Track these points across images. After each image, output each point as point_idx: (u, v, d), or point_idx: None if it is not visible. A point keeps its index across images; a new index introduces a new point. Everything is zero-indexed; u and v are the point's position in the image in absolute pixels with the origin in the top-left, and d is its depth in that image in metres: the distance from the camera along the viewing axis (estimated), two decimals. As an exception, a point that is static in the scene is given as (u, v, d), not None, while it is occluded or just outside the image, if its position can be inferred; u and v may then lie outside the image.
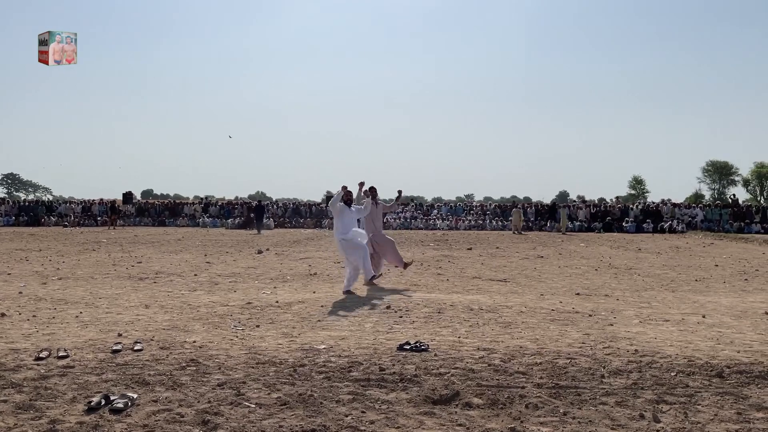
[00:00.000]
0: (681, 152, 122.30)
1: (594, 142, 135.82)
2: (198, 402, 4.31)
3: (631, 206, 38.52)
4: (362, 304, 8.73)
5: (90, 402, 4.18)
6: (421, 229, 36.29)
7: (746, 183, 72.83)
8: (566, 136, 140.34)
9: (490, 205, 42.14)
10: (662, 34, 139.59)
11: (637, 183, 77.63)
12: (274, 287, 10.50)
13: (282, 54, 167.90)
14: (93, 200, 40.87)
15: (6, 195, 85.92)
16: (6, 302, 8.59)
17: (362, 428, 3.85)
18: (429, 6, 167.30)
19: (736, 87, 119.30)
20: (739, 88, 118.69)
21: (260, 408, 4.21)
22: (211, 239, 24.63)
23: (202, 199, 43.06)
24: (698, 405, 4.36)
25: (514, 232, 32.53)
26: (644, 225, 34.10)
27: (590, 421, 4.02)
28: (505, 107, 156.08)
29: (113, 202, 39.69)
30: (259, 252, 17.82)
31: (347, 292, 9.81)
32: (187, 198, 64.68)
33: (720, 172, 75.43)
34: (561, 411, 4.20)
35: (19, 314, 7.69)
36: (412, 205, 41.30)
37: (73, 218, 38.47)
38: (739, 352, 5.99)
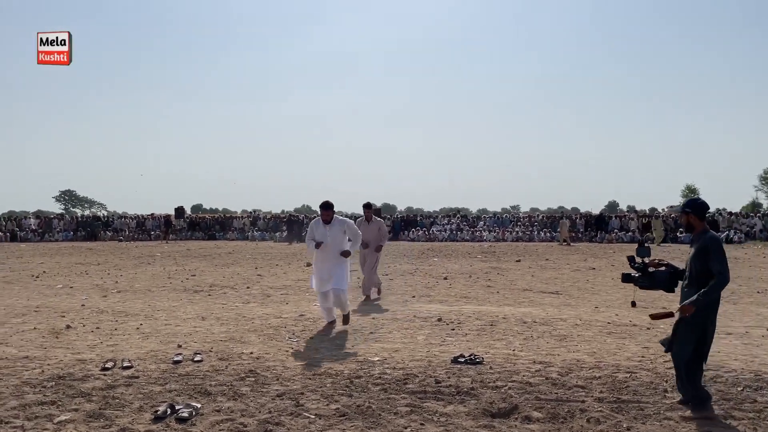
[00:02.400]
0: (736, 159, 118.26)
1: (644, 150, 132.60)
2: (259, 412, 4.40)
3: (656, 216, 37.37)
4: (413, 316, 8.73)
5: (156, 411, 4.31)
6: (468, 241, 36.03)
7: (807, 191, 69.88)
8: (615, 145, 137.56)
9: (538, 216, 41.56)
10: (713, 38, 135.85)
11: (690, 192, 75.38)
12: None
13: (325, 65, 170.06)
14: (146, 215, 42.06)
15: (63, 211, 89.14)
16: (70, 314, 8.93)
17: (422, 440, 3.85)
18: (468, 14, 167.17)
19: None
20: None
21: (320, 419, 4.27)
22: (260, 252, 25.02)
23: (250, 213, 43.79)
24: (767, 422, 4.21)
25: (561, 243, 31.95)
26: (680, 236, 33.04)
27: (655, 436, 3.92)
28: (550, 117, 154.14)
29: (167, 216, 40.78)
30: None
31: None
32: (235, 212, 65.94)
33: (779, 179, 72.52)
34: (624, 426, 4.12)
35: (84, 326, 7.98)
36: (458, 217, 41.08)
37: (127, 233, 39.67)
38: (809, 366, 5.75)
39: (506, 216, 42.18)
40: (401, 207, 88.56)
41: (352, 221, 8.12)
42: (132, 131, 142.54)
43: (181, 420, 4.17)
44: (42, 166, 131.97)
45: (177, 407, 4.38)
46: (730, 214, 37.03)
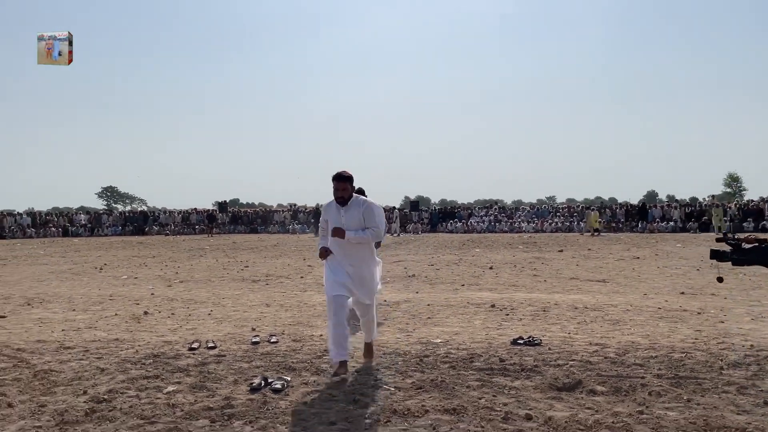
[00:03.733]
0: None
1: (685, 138, 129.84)
2: (342, 385, 4.82)
3: (730, 205, 36.77)
4: (467, 303, 9.08)
5: (252, 383, 4.77)
6: (506, 232, 36.14)
7: None
8: (653, 134, 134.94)
9: (578, 206, 41.34)
10: (749, 24, 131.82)
11: (733, 180, 73.70)
12: (379, 288, 11.01)
13: (357, 59, 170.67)
14: (191, 210, 43.21)
15: (105, 207, 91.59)
16: (143, 302, 9.53)
17: (497, 409, 4.22)
18: (505, 9, 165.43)
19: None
20: None
21: (399, 391, 4.67)
22: (303, 244, 25.64)
23: (290, 206, 44.59)
24: (824, 395, 4.45)
25: (584, 233, 31.86)
26: (744, 224, 32.52)
27: (715, 407, 4.21)
28: (586, 106, 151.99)
29: (211, 211, 41.87)
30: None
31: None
32: (272, 206, 67.12)
33: (827, 166, 70.33)
34: (684, 398, 4.42)
35: (159, 312, 8.55)
36: (496, 209, 41.15)
37: (173, 227, 40.86)
38: None
39: (545, 207, 42.04)
40: (435, 199, 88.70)
41: (378, 205, 5.35)
42: (166, 129, 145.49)
43: (276, 390, 4.62)
44: (82, 164, 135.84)
45: (269, 380, 4.83)
46: (777, 202, 36.26)
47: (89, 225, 40.54)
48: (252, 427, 3.93)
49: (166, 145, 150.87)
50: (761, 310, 8.11)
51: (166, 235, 38.44)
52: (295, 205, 44.03)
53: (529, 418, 4.04)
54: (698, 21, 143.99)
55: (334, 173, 5.17)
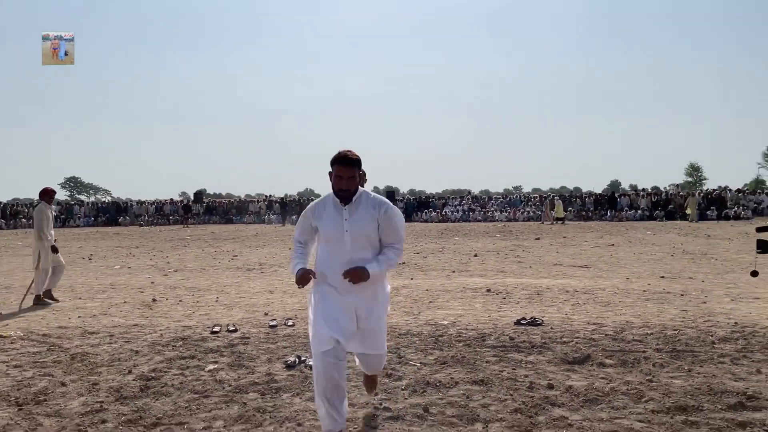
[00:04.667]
0: (739, 137, 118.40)
1: (647, 129, 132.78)
2: (370, 362, 5.16)
3: (691, 194, 38.07)
4: (463, 288, 9.48)
5: (287, 361, 5.08)
6: (480, 221, 36.78)
7: (812, 167, 70.26)
8: (617, 125, 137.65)
9: (549, 195, 42.24)
10: (707, 19, 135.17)
11: (694, 170, 75.88)
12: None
13: (325, 50, 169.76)
14: (164, 200, 42.83)
15: (68, 197, 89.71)
16: (147, 290, 9.71)
17: (520, 380, 4.61)
18: (476, 3, 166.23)
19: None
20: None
21: (425, 366, 5.03)
22: (283, 234, 25.79)
23: (267, 197, 44.54)
24: (807, 364, 4.96)
25: (543, 222, 32.75)
26: (708, 212, 33.75)
27: (714, 375, 4.68)
28: (552, 99, 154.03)
29: (186, 201, 41.57)
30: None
31: None
32: (239, 196, 66.99)
33: (783, 156, 72.89)
34: (686, 368, 4.88)
35: (167, 299, 8.75)
36: (469, 198, 41.80)
37: (146, 218, 40.48)
38: (834, 323, 6.49)
39: (516, 196, 42.87)
40: (404, 190, 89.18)
41: (394, 206, 3.60)
42: (127, 120, 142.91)
43: (311, 367, 4.93)
44: (43, 154, 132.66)
45: (302, 357, 5.15)
46: (738, 191, 37.66)
47: (61, 216, 39.88)
48: (300, 398, 4.25)
49: (128, 136, 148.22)
50: (738, 292, 8.70)
51: (140, 225, 38.07)
52: (271, 195, 43.99)
53: (551, 387, 4.44)
54: (658, 16, 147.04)
55: (335, 154, 3.39)
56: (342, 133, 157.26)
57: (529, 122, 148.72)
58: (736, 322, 6.59)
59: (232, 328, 6.51)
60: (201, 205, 42.06)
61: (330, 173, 3.46)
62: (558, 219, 32.46)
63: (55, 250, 8.74)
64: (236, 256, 15.73)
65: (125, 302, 8.52)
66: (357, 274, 3.36)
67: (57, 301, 8.66)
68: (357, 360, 3.88)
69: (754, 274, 4.96)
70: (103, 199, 66.96)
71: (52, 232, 8.90)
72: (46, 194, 8.99)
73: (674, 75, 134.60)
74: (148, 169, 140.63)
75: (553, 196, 38.24)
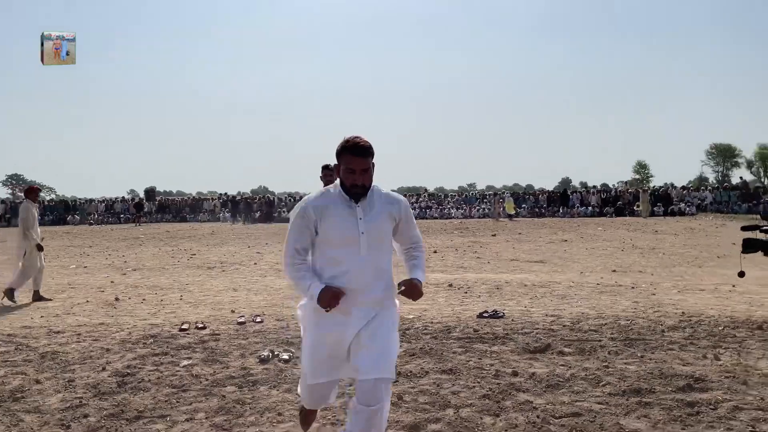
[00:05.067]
0: (683, 136, 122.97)
1: (596, 128, 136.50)
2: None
3: (644, 191, 39.46)
4: (425, 284, 9.71)
5: (260, 356, 5.20)
6: (437, 218, 37.26)
7: (750, 164, 73.51)
8: (567, 123, 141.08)
9: (503, 193, 43.10)
10: (652, 26, 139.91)
11: (642, 167, 78.36)
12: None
13: (276, 46, 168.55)
14: (114, 198, 41.90)
15: (10, 195, 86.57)
16: (107, 289, 9.62)
17: (486, 369, 4.85)
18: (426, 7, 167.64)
19: (737, 70, 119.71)
20: (741, 71, 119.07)
21: (397, 358, 5.21)
22: (241, 233, 25.64)
23: (222, 195, 44.05)
24: (748, 349, 5.36)
25: (497, 219, 33.55)
26: (655, 209, 35.04)
27: (664, 360, 5.02)
28: (504, 98, 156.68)
29: (139, 199, 40.74)
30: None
31: None
32: (190, 194, 66.24)
33: (724, 154, 76.11)
34: (638, 355, 5.21)
35: (129, 298, 8.70)
36: (425, 196, 42.28)
37: (96, 216, 39.52)
38: (771, 311, 6.98)
39: (472, 194, 43.59)
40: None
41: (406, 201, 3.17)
42: (70, 117, 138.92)
43: (285, 361, 5.07)
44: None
45: (276, 351, 5.27)
46: (683, 188, 39.20)
47: (6, 215, 38.55)
48: (278, 390, 4.38)
49: (68, 134, 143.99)
50: (685, 284, 9.20)
51: (90, 224, 37.16)
52: (226, 193, 43.51)
53: (515, 374, 4.69)
54: (604, 15, 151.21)
55: (342, 143, 2.87)
56: (295, 130, 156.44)
57: (483, 121, 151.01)
58: (683, 312, 7.00)
59: (200, 326, 6.57)
60: (153, 204, 41.31)
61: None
62: (509, 215, 33.27)
63: (40, 248, 8.71)
64: (195, 254, 15.62)
65: (87, 301, 8.44)
66: (417, 290, 3.04)
67: (50, 299, 8.66)
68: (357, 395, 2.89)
69: (741, 274, 4.42)
70: (48, 198, 64.94)
71: (38, 230, 8.85)
72: (32, 192, 8.96)
73: (622, 75, 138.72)
74: (93, 166, 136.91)
75: (504, 193, 39.10)
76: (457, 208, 38.89)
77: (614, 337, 5.88)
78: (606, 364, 4.94)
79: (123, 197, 42.28)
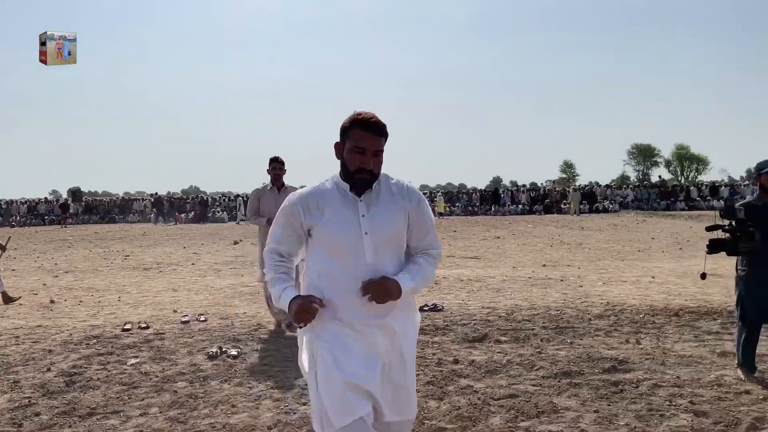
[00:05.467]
0: (606, 137, 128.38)
1: (525, 129, 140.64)
2: (287, 349, 5.46)
3: (567, 190, 41.08)
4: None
5: (209, 352, 5.27)
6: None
7: (668, 164, 77.56)
8: (497, 124, 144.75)
9: (436, 192, 43.88)
10: (581, 28, 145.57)
11: (568, 167, 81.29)
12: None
13: (207, 42, 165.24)
14: (38, 199, 40.10)
15: None
16: (41, 292, 9.35)
17: (429, 358, 5.12)
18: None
19: (657, 73, 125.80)
20: (661, 74, 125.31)
21: (342, 351, 5.41)
22: (174, 233, 25.12)
23: (151, 195, 42.88)
24: (665, 334, 5.85)
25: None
26: (581, 206, 36.56)
27: (592, 346, 5.42)
28: (438, 98, 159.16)
29: (64, 200, 39.11)
30: (236, 243, 18.70)
31: None
32: (117, 194, 64.33)
33: (644, 154, 79.99)
34: (568, 341, 5.60)
35: (65, 300, 8.51)
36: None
37: (18, 218, 37.71)
38: (686, 300, 7.57)
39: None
40: (295, 185, 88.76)
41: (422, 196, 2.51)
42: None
43: (234, 356, 5.17)
44: None
45: (224, 348, 5.36)
46: (607, 186, 41.05)
47: None
48: (229, 384, 4.49)
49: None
50: (609, 276, 9.80)
51: (12, 226, 35.40)
52: (156, 193, 42.38)
53: (456, 362, 4.98)
54: (536, 14, 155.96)
55: (352, 117, 2.37)
56: (225, 128, 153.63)
57: (415, 121, 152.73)
58: (607, 302, 7.50)
59: (144, 326, 6.55)
60: (80, 204, 39.78)
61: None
62: (440, 213, 34.10)
63: (2, 248, 8.47)
64: (128, 256, 15.27)
65: (21, 304, 8.21)
66: (383, 288, 2.29)
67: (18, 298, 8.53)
68: None
69: (703, 276, 4.78)
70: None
71: None
72: None
73: (550, 77, 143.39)
74: (10, 167, 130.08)
75: (436, 193, 39.94)
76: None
77: (546, 325, 6.26)
78: (539, 350, 5.29)
79: (46, 198, 40.46)
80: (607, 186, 41.18)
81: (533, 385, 4.35)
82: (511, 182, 78.25)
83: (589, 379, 4.46)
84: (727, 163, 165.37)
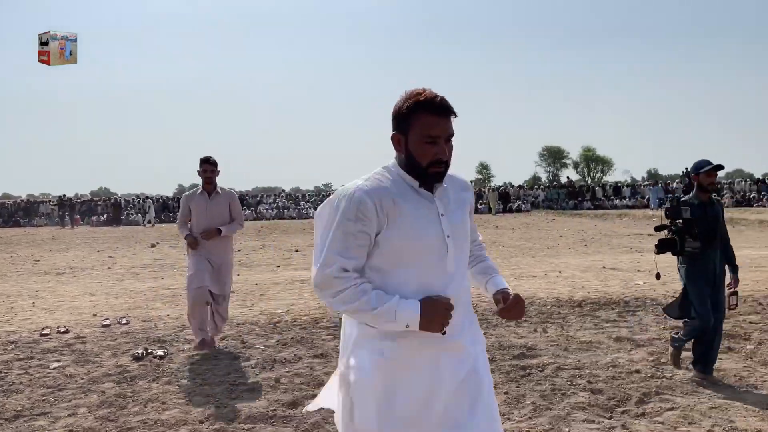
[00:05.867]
0: (519, 139, 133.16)
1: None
2: (216, 349, 5.57)
3: (483, 190, 42.52)
4: (291, 280, 10.09)
5: (134, 354, 5.30)
6: (295, 218, 37.47)
7: (576, 165, 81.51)
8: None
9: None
10: (490, 33, 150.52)
11: (484, 168, 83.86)
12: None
13: (111, 37, 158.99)
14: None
15: None
16: (-56, 299, 8.90)
17: (353, 352, 5.37)
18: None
19: (564, 76, 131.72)
20: (568, 77, 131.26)
21: (269, 348, 5.58)
22: (86, 237, 24.15)
23: (60, 197, 40.84)
24: (569, 323, 6.37)
25: None
26: (496, 206, 37.95)
27: (503, 335, 5.85)
28: (353, 97, 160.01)
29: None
30: (153, 245, 18.28)
31: None
32: (20, 196, 61.02)
33: (554, 156, 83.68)
34: (482, 332, 6.00)
35: (-27, 307, 8.18)
36: (283, 196, 42.31)
37: None
38: (589, 292, 8.20)
39: (330, 192, 44.36)
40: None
41: None
42: None
43: (161, 357, 5.22)
44: None
45: (150, 349, 5.40)
46: (519, 187, 42.76)
47: None
48: (158, 383, 4.57)
49: None
50: (521, 272, 10.40)
51: None
52: (64, 195, 40.42)
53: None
54: (446, 16, 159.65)
55: (415, 96, 1.96)
56: (133, 127, 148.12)
57: (335, 121, 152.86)
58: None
59: (63, 330, 6.44)
60: (-21, 207, 37.39)
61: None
62: None
63: None
64: (39, 260, 14.65)
65: (-76, 312, 7.82)
66: (522, 305, 2.15)
67: None
68: None
69: (658, 276, 4.80)
70: None
71: None
72: None
73: (463, 79, 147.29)
74: None
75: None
76: (315, 208, 39.34)
77: (462, 318, 6.66)
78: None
79: (-60, 200, 37.73)
80: (520, 186, 42.92)
81: (450, 373, 4.69)
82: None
83: (501, 365, 4.85)
84: (629, 164, 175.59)
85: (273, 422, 3.80)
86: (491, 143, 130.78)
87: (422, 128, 1.92)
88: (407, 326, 1.86)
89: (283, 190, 46.65)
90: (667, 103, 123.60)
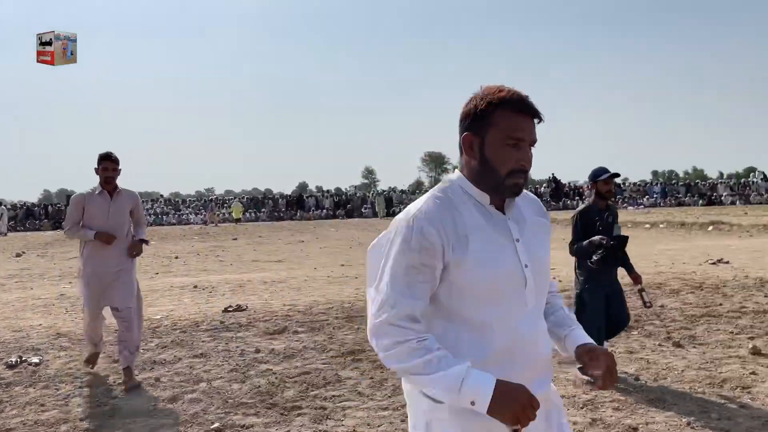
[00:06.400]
0: (403, 144, 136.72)
1: (329, 136, 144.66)
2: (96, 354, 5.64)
3: (368, 195, 43.51)
4: (170, 286, 10.10)
5: (8, 362, 5.28)
6: (175, 224, 36.42)
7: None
8: (303, 132, 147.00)
9: (244, 198, 43.76)
10: (374, 40, 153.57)
11: (370, 173, 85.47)
12: (70, 282, 11.16)
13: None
14: None
15: None
16: None
17: (232, 350, 5.66)
18: None
19: (443, 85, 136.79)
20: (445, 87, 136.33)
21: (148, 351, 5.74)
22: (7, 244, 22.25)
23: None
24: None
25: (209, 224, 34.45)
26: (382, 210, 39.00)
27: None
28: (244, 102, 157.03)
29: None
30: (18, 255, 17.28)
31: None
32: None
33: (436, 161, 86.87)
34: (356, 327, 6.49)
35: None
36: (161, 201, 40.94)
37: None
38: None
39: (212, 199, 43.39)
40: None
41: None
42: None
43: (36, 364, 5.24)
44: None
45: (24, 357, 5.38)
46: (402, 192, 44.16)
47: None
48: (35, 388, 4.64)
49: None
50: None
51: None
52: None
53: (258, 351, 5.59)
54: (314, 23, 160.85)
55: (496, 92, 1.61)
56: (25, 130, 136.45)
57: (221, 126, 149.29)
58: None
59: (-76, 343, 6.20)
60: None
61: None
62: (236, 219, 34.70)
63: None
64: None
65: None
66: (615, 367, 1.63)
67: None
68: None
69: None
70: None
71: None
72: None
73: (347, 85, 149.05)
74: None
75: (235, 198, 40.16)
76: (197, 214, 38.45)
77: (338, 316, 7.13)
78: (330, 336, 6.11)
79: None
80: (402, 191, 44.33)
81: (323, 364, 5.13)
82: (317, 187, 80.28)
83: (369, 356, 5.34)
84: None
85: (154, 415, 4.04)
86: (377, 148, 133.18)
87: (506, 128, 1.58)
88: (472, 403, 1.46)
89: (161, 195, 45.07)
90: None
